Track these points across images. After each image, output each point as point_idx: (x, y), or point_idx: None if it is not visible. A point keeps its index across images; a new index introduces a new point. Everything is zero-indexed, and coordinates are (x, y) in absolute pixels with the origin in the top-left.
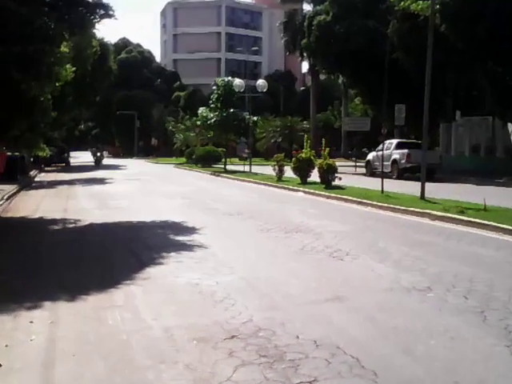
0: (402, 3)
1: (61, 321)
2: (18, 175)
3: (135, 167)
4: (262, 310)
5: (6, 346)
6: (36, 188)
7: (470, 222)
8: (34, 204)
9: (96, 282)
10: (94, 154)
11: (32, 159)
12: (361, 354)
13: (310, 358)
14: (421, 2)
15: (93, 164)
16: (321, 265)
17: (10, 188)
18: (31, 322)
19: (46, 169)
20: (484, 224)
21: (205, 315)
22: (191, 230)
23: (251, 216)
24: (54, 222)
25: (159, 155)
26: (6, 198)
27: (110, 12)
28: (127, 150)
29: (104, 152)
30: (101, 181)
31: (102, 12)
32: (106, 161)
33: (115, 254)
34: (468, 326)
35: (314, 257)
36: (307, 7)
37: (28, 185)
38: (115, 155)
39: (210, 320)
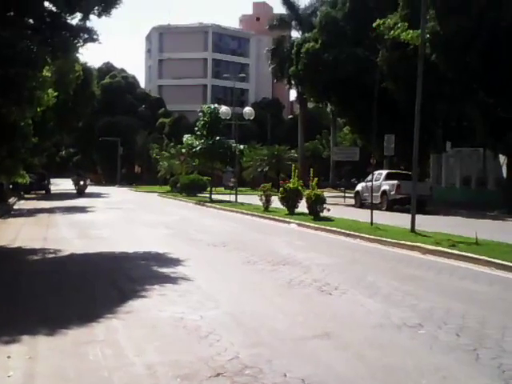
0: (392, 32)
1: (40, 356)
2: None
3: (118, 195)
4: (248, 346)
5: None
6: (15, 216)
7: (461, 256)
8: (13, 233)
9: (76, 315)
10: (76, 183)
11: (11, 186)
12: None
13: None
14: (411, 31)
15: (74, 192)
16: (309, 299)
17: None
18: (9, 357)
19: (26, 196)
20: (476, 258)
21: (189, 351)
22: (175, 262)
23: (237, 247)
24: (34, 251)
25: (142, 183)
26: None
27: (94, 36)
28: (109, 178)
29: (87, 180)
30: (82, 209)
31: (86, 36)
32: (87, 189)
33: (96, 286)
34: (460, 364)
35: (302, 291)
36: (295, 34)
37: (6, 213)
38: (97, 183)
39: (194, 356)
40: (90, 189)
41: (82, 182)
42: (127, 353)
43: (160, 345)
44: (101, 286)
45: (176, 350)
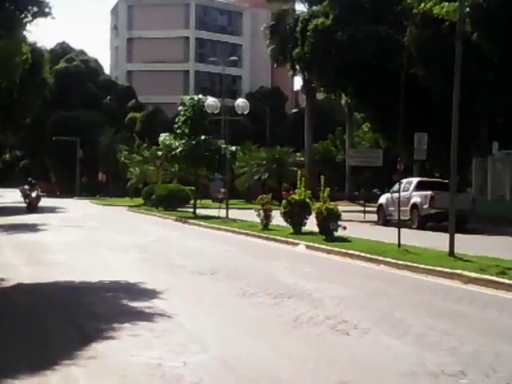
0: (423, 5)
1: None
2: None
3: (77, 210)
4: None
5: None
6: None
7: None
8: None
9: (26, 362)
10: (26, 195)
11: None
12: None
13: None
14: (446, 3)
15: (24, 206)
16: (320, 341)
17: None
18: None
19: None
20: None
21: None
22: (151, 294)
23: (229, 275)
24: None
25: (108, 194)
26: None
27: (46, 9)
28: (66, 188)
29: (40, 190)
30: (32, 228)
31: (36, 9)
32: (41, 202)
33: (51, 325)
34: None
35: (312, 331)
36: (300, 7)
37: None
38: (50, 194)
39: None
40: (43, 201)
41: (33, 194)
42: None
43: None
44: (56, 324)
45: None
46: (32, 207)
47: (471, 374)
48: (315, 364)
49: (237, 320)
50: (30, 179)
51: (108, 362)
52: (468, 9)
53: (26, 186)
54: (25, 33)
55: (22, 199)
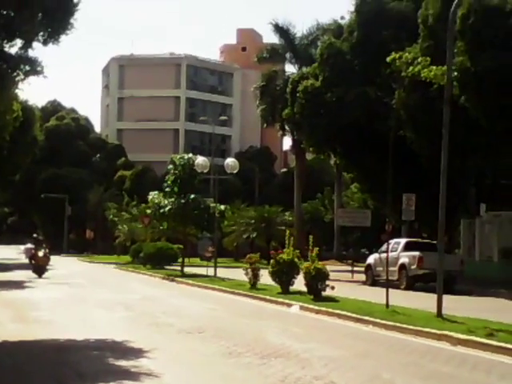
0: (411, 68)
1: None
2: None
3: (64, 267)
4: None
5: None
6: None
7: (501, 348)
8: None
9: None
10: (32, 256)
11: None
12: None
13: None
14: (434, 67)
15: (25, 267)
16: None
17: None
18: None
19: None
20: None
21: None
22: (137, 353)
23: (216, 335)
24: None
25: (96, 252)
26: None
27: (38, 68)
28: (54, 244)
29: (47, 249)
30: (17, 284)
31: (28, 68)
32: (24, 259)
33: None
34: None
35: None
36: (291, 68)
37: None
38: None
39: None
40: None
41: (40, 253)
42: None
43: None
44: (42, 383)
45: None
46: (40, 269)
47: None
48: None
49: (224, 381)
50: (35, 235)
51: None
52: (456, 73)
53: (30, 245)
54: (16, 91)
55: (18, 256)
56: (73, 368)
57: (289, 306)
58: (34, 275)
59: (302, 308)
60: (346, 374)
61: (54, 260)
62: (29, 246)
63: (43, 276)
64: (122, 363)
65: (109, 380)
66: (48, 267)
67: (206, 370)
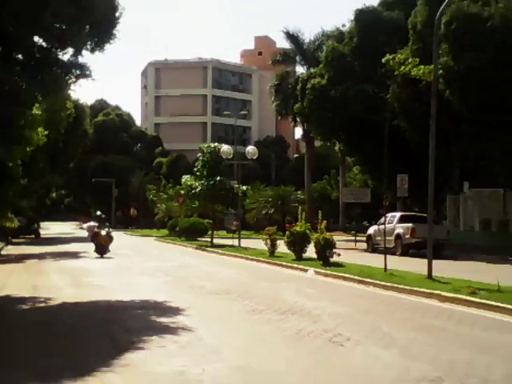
0: (403, 68)
1: None
2: None
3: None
4: None
5: None
6: (2, 262)
7: (482, 304)
8: (0, 280)
9: (70, 369)
10: (94, 235)
11: None
12: None
13: None
14: (422, 66)
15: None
16: (319, 352)
17: None
18: None
19: (14, 241)
20: (499, 307)
21: None
22: (175, 311)
23: (241, 295)
24: (23, 300)
25: (139, 227)
26: None
27: (87, 72)
28: (103, 220)
29: (110, 228)
30: (74, 255)
31: (78, 72)
32: (81, 232)
33: (91, 338)
34: None
35: (312, 343)
36: (300, 69)
37: None
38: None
39: None
40: (83, 232)
41: (103, 232)
42: None
43: None
44: (95, 337)
45: None
46: (102, 249)
47: (448, 379)
48: (315, 372)
49: (248, 334)
50: (98, 213)
51: (139, 369)
52: (441, 71)
53: (93, 223)
54: (69, 92)
55: (73, 231)
56: (121, 324)
57: (302, 270)
58: (96, 254)
59: (316, 273)
60: (351, 328)
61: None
62: (92, 223)
63: (105, 256)
64: (162, 320)
65: (151, 334)
66: (110, 248)
67: (232, 325)
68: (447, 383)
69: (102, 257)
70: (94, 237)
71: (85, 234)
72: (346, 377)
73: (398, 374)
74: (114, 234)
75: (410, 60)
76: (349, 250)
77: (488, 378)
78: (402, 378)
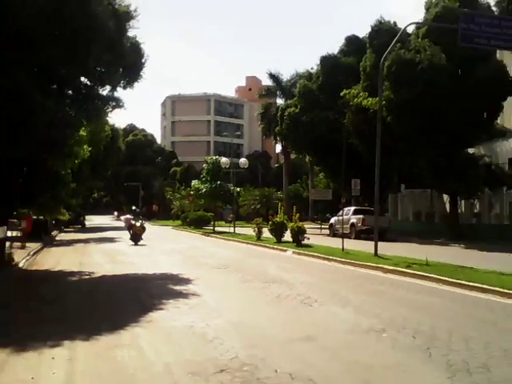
0: (356, 99)
1: (78, 358)
2: (42, 235)
3: None
4: (246, 347)
5: (32, 378)
6: (57, 246)
7: (415, 274)
8: (55, 259)
9: (107, 325)
10: (130, 226)
11: (53, 221)
12: None
13: None
14: (370, 99)
15: (126, 236)
16: (294, 310)
17: (35, 245)
18: (53, 359)
19: (65, 230)
20: (427, 276)
21: (198, 353)
22: (186, 281)
23: (235, 269)
24: (72, 274)
25: (159, 219)
26: (31, 253)
27: (120, 104)
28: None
29: (143, 220)
30: (111, 240)
31: (114, 104)
32: (116, 223)
33: (123, 301)
34: (416, 361)
35: (288, 303)
36: (280, 101)
37: (50, 243)
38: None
39: (202, 357)
40: (118, 223)
41: (138, 224)
42: (148, 355)
43: (174, 348)
44: (127, 301)
45: (187, 352)
46: (136, 238)
47: (389, 330)
48: (290, 325)
49: (240, 298)
50: (134, 208)
51: (159, 324)
52: (384, 102)
53: (129, 216)
54: (107, 118)
55: (109, 222)
56: (146, 291)
57: (281, 250)
58: (131, 242)
59: (287, 252)
60: (317, 292)
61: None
62: (128, 216)
63: (139, 243)
64: (177, 288)
65: (169, 298)
66: (142, 237)
67: (229, 291)
68: (388, 333)
69: (136, 244)
70: (129, 227)
71: (120, 224)
72: (313, 328)
73: (352, 327)
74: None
75: (361, 94)
76: (316, 235)
77: (419, 329)
78: (354, 329)
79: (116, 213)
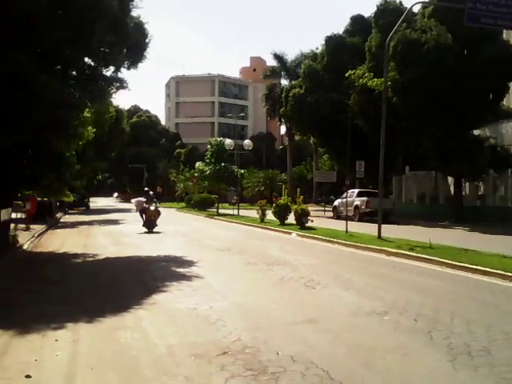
0: (361, 80)
1: (81, 339)
2: (47, 217)
3: None
4: (249, 330)
5: (35, 360)
6: (61, 227)
7: (418, 257)
8: (60, 241)
9: (111, 307)
10: (143, 210)
11: (58, 203)
12: (330, 368)
13: (288, 371)
14: (376, 79)
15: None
16: (297, 293)
17: (39, 227)
18: (56, 341)
19: (70, 212)
20: (430, 259)
21: (201, 335)
22: (189, 263)
23: (239, 251)
24: (76, 256)
25: (163, 201)
26: (36, 235)
27: (124, 85)
28: (136, 196)
29: (157, 203)
30: (115, 222)
31: (118, 85)
32: (120, 205)
33: (127, 283)
34: (417, 343)
35: (291, 286)
36: (284, 82)
37: (54, 225)
38: (127, 200)
39: (205, 339)
40: (123, 205)
41: (152, 207)
42: (151, 336)
43: (177, 330)
44: (130, 283)
45: (190, 334)
46: (151, 224)
47: (392, 313)
48: (294, 307)
49: (244, 280)
50: (146, 189)
51: (163, 306)
52: (390, 82)
53: (141, 198)
54: (111, 99)
55: (113, 204)
56: (150, 273)
57: (285, 233)
58: (143, 229)
59: (290, 234)
60: (320, 274)
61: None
62: (140, 199)
63: (154, 230)
64: (180, 270)
65: (172, 280)
66: (157, 223)
67: (233, 273)
68: (390, 315)
69: (150, 231)
70: (142, 211)
71: (124, 206)
72: (316, 311)
73: (354, 309)
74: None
75: (366, 74)
76: (319, 218)
77: (421, 312)
78: (357, 312)
79: (116, 194)
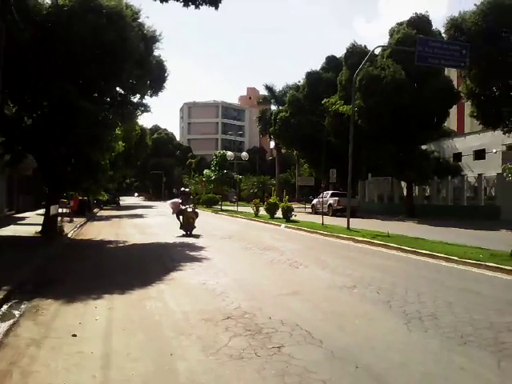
0: (334, 106)
1: (115, 307)
2: (86, 212)
3: (163, 207)
4: (246, 300)
5: (80, 323)
6: (97, 220)
7: (379, 243)
8: (97, 230)
9: (138, 282)
10: (180, 212)
11: (95, 201)
12: (311, 329)
13: (278, 331)
14: (345, 106)
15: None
16: (284, 271)
17: (80, 220)
18: (96, 308)
19: (104, 208)
20: (388, 245)
21: (209, 304)
22: (200, 248)
23: (238, 239)
24: (110, 242)
25: None
26: (78, 226)
27: (148, 109)
28: (156, 196)
29: (195, 204)
30: (140, 216)
31: (143, 109)
32: (144, 202)
33: (150, 264)
34: (379, 311)
35: (280, 266)
36: (273, 107)
37: (92, 218)
38: (149, 199)
39: (212, 307)
40: (147, 203)
41: (189, 209)
42: (170, 305)
43: (190, 300)
44: (153, 263)
45: (201, 303)
46: (189, 226)
47: (359, 287)
48: (282, 282)
49: (242, 261)
50: (182, 189)
51: (179, 282)
52: (356, 108)
53: (178, 200)
54: (137, 120)
55: (139, 202)
56: (169, 256)
57: (274, 225)
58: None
59: (279, 225)
60: (302, 257)
61: (157, 203)
62: (176, 200)
63: (193, 232)
64: (193, 253)
65: (186, 261)
66: (195, 225)
67: (234, 256)
68: (358, 289)
69: (189, 235)
70: (178, 214)
71: (146, 203)
72: (299, 285)
73: (329, 284)
74: (163, 203)
75: (338, 102)
76: (301, 213)
77: (381, 286)
78: (331, 286)
79: (136, 194)
